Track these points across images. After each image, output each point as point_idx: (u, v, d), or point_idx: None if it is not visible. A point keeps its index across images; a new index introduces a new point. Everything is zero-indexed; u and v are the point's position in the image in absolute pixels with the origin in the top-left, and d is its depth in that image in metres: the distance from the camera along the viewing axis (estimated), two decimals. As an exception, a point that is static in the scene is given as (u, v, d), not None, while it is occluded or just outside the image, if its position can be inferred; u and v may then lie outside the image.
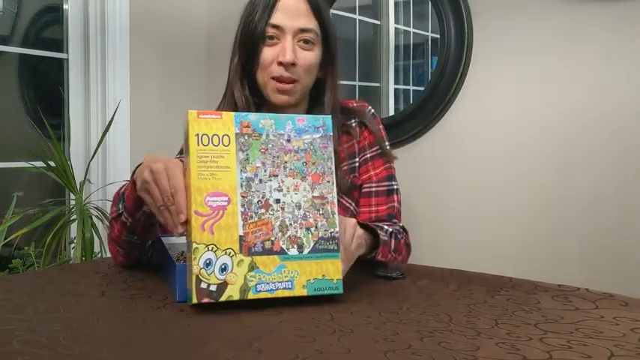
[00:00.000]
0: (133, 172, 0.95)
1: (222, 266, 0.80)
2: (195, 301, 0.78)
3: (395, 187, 1.24)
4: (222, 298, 0.79)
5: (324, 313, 0.80)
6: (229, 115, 0.84)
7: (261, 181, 0.83)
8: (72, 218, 1.93)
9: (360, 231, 0.96)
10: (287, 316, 0.79)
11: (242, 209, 0.81)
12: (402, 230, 1.22)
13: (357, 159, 1.23)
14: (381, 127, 1.27)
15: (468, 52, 1.86)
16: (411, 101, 2.10)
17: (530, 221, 1.76)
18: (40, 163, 1.94)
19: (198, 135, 0.82)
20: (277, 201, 0.84)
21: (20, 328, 0.72)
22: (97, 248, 1.92)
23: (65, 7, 2.23)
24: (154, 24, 2.35)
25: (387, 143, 1.27)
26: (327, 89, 1.20)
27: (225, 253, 0.80)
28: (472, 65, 1.86)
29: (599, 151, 1.65)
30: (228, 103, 1.18)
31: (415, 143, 1.98)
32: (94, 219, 1.94)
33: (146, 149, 2.24)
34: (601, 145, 1.64)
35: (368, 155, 1.24)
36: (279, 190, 0.84)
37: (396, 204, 1.24)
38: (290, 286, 0.82)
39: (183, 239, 1.02)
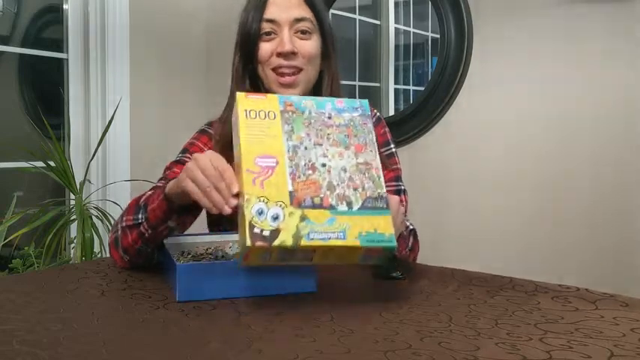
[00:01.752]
0: (164, 187, 0.96)
1: (274, 215, 0.79)
2: (249, 243, 0.77)
3: (402, 187, 1.24)
4: (276, 243, 0.78)
5: (324, 313, 0.80)
6: (273, 96, 0.90)
7: (306, 148, 0.85)
8: (72, 218, 1.93)
9: (402, 208, 0.96)
10: (287, 316, 0.79)
11: (290, 170, 0.83)
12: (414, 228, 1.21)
13: None
14: (386, 129, 1.27)
15: (468, 52, 1.86)
16: (411, 101, 2.10)
17: (531, 220, 1.76)
18: (40, 163, 1.94)
19: (246, 110, 0.87)
20: (323, 165, 0.85)
21: (20, 328, 0.72)
22: (97, 248, 1.92)
23: (65, 7, 2.23)
24: (154, 24, 2.35)
25: (392, 145, 1.26)
26: (325, 81, 1.19)
27: (277, 205, 0.80)
28: (472, 65, 1.86)
29: (599, 149, 1.65)
30: (231, 106, 1.18)
31: (415, 143, 1.98)
32: (94, 219, 1.94)
33: (146, 149, 2.26)
34: (601, 143, 1.64)
35: None
36: (325, 156, 0.86)
37: (404, 203, 1.23)
38: (342, 237, 0.80)
39: (184, 239, 1.03)
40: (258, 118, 0.86)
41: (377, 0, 2.27)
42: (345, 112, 0.90)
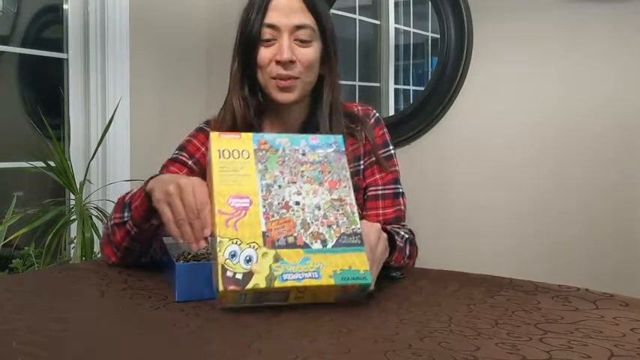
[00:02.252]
0: (145, 184, 0.95)
1: (247, 258, 0.80)
2: (221, 288, 0.78)
3: (400, 190, 1.24)
4: (249, 287, 0.78)
5: (324, 313, 0.80)
6: (248, 135, 0.91)
7: (280, 187, 0.86)
8: (72, 218, 1.93)
9: (384, 235, 0.95)
10: (287, 316, 0.79)
11: (264, 210, 0.84)
12: (411, 233, 1.21)
13: (361, 162, 1.23)
14: (385, 130, 1.27)
15: (468, 52, 1.86)
16: (411, 101, 2.10)
17: (531, 220, 1.76)
18: (40, 163, 1.94)
19: (219, 150, 0.88)
20: (297, 203, 0.86)
21: (20, 328, 0.72)
22: (97, 248, 1.92)
23: (65, 7, 2.23)
24: (154, 24, 2.35)
25: (391, 147, 1.26)
26: (326, 85, 1.20)
27: (250, 246, 0.81)
28: (472, 65, 1.86)
29: (598, 151, 1.65)
30: (228, 109, 1.18)
31: (415, 143, 1.98)
32: (94, 219, 1.94)
33: (146, 149, 2.26)
34: (600, 144, 1.64)
35: (374, 159, 1.23)
36: (299, 193, 0.87)
37: (402, 207, 1.23)
38: (317, 276, 0.81)
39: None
40: (231, 157, 0.87)
41: (377, 0, 2.27)
42: (319, 148, 0.92)
